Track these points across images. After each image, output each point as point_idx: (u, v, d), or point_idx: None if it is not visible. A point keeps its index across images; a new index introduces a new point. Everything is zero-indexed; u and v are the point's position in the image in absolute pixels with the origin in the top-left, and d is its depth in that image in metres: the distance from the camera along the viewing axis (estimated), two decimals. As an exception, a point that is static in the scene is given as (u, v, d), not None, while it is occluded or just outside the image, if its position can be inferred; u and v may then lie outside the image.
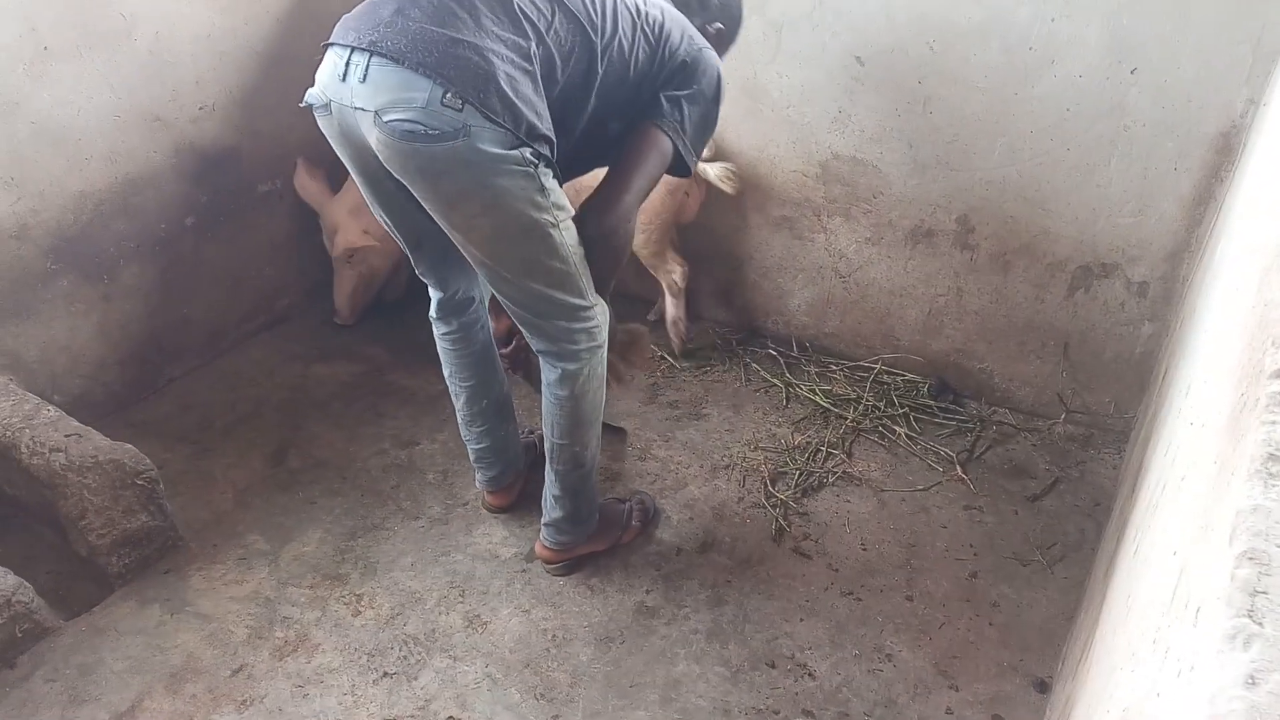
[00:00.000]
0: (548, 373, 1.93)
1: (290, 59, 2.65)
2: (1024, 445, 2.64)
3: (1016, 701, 1.92)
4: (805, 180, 2.74)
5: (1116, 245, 2.40)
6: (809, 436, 2.64)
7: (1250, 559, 0.54)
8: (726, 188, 2.67)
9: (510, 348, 2.28)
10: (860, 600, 2.14)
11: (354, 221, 2.74)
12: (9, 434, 2.04)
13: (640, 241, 2.66)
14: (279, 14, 2.61)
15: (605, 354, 1.94)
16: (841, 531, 2.33)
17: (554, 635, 2.03)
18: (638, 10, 1.77)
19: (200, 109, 2.53)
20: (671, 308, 2.89)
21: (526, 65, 1.59)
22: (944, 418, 2.72)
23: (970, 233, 2.58)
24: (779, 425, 2.69)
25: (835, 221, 2.76)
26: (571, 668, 1.96)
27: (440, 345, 2.14)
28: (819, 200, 2.75)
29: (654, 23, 1.79)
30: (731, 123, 2.71)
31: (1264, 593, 0.52)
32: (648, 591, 2.14)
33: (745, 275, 3.01)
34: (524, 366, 2.31)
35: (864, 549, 2.28)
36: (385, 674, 1.93)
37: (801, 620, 2.08)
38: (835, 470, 2.52)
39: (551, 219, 1.69)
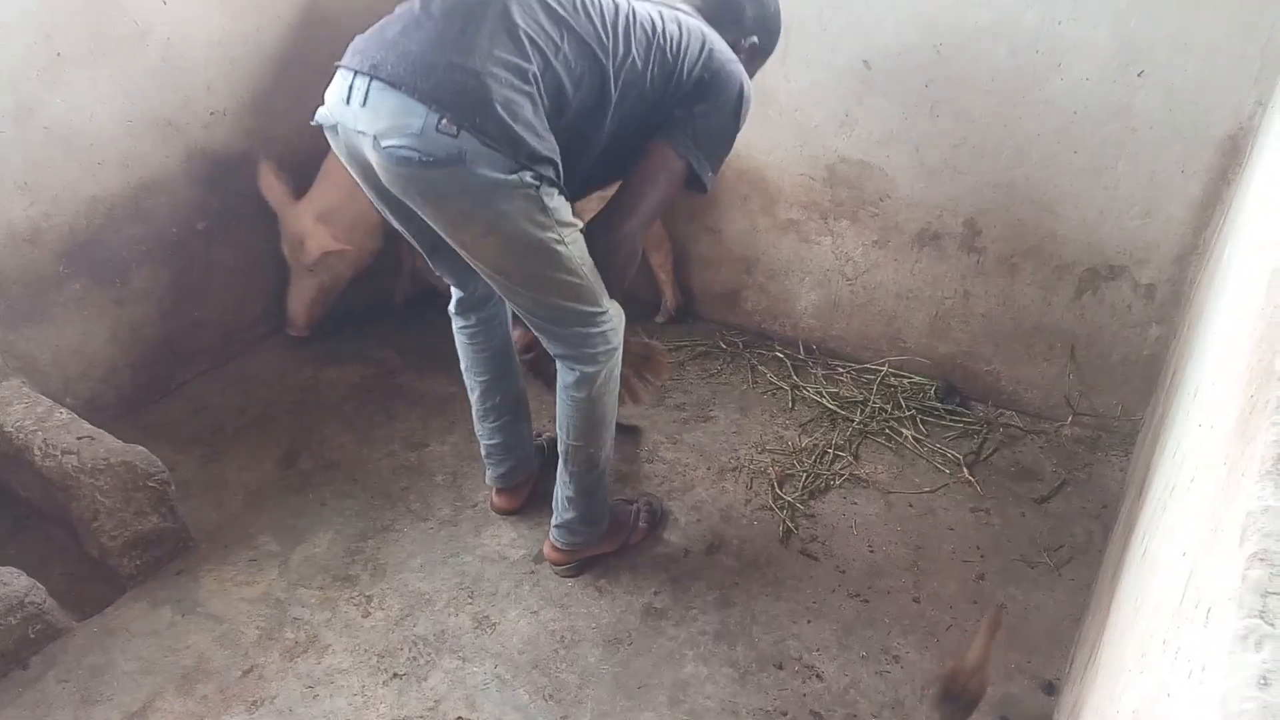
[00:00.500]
0: (564, 375, 1.94)
1: (301, 64, 2.66)
2: (1031, 447, 2.64)
3: (1024, 703, 1.92)
4: (812, 184, 2.74)
5: (1124, 248, 2.40)
6: (816, 439, 2.64)
7: (1261, 560, 0.55)
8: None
9: (531, 355, 2.28)
10: (868, 602, 2.15)
11: (323, 227, 2.64)
12: (22, 436, 2.05)
13: None
14: (290, 20, 2.63)
15: (620, 357, 1.95)
16: (849, 533, 2.34)
17: (562, 636, 2.04)
18: (653, 28, 1.74)
19: (212, 114, 2.54)
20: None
21: (526, 88, 1.58)
22: (951, 420, 2.72)
23: (977, 235, 2.58)
24: (786, 428, 2.70)
25: (842, 224, 2.77)
26: (580, 669, 1.97)
27: (458, 339, 2.16)
28: (826, 203, 2.76)
29: (670, 39, 1.75)
30: (739, 126, 2.71)
31: (1275, 593, 0.53)
32: (656, 593, 2.15)
33: (752, 278, 3.02)
34: (545, 375, 2.30)
35: (871, 551, 2.29)
36: (395, 675, 1.94)
37: (809, 622, 2.09)
38: (842, 472, 2.53)
39: (556, 236, 1.69)
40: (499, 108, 1.54)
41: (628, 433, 2.63)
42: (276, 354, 2.92)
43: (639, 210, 1.82)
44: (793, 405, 2.78)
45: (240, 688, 1.91)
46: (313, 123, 1.72)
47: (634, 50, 1.70)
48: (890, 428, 2.68)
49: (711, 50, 1.81)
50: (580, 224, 1.77)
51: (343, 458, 2.53)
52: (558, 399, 1.98)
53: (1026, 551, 2.29)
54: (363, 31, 1.68)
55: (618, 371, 1.96)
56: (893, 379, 2.85)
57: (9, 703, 1.85)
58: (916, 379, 2.84)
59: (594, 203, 1.95)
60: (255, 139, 2.59)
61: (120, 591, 2.11)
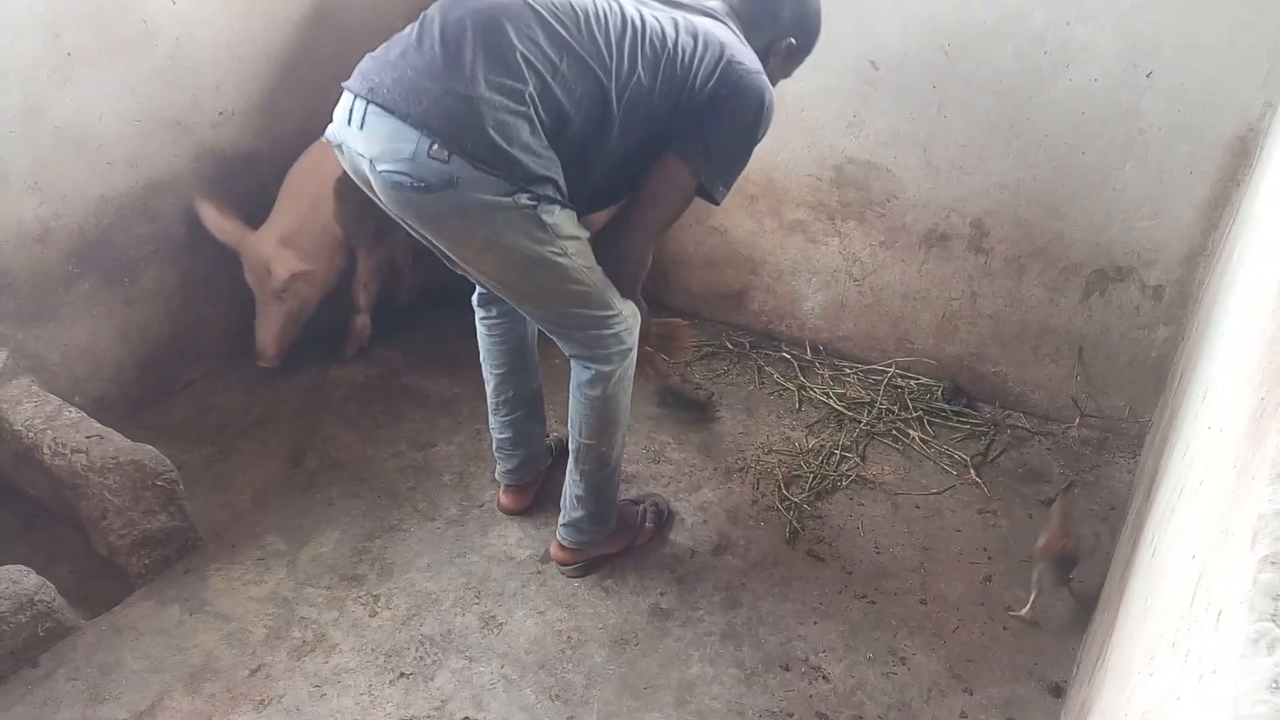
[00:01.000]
0: (578, 374, 1.94)
1: (309, 64, 2.66)
2: (1038, 449, 2.64)
3: (1031, 705, 1.92)
4: (819, 184, 2.74)
5: (1132, 249, 2.40)
6: (823, 440, 2.64)
7: (1273, 563, 0.54)
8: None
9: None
10: (874, 603, 2.14)
11: (288, 250, 2.53)
12: (31, 435, 2.06)
13: None
14: (298, 20, 2.63)
15: (635, 355, 1.96)
16: (855, 535, 2.33)
17: (569, 637, 2.04)
18: (662, 42, 1.71)
19: (220, 114, 2.55)
20: None
21: (521, 109, 1.58)
22: (958, 421, 2.72)
23: (984, 236, 2.58)
24: (793, 428, 2.69)
25: (849, 225, 2.77)
26: (586, 669, 1.97)
27: (479, 330, 2.18)
28: (833, 204, 2.76)
29: (683, 51, 1.72)
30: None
31: (1286, 596, 0.53)
32: (662, 594, 2.15)
33: (760, 279, 3.02)
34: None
35: (878, 552, 2.29)
36: (402, 674, 1.94)
37: (815, 623, 2.09)
38: (849, 473, 2.52)
39: (558, 250, 1.69)
40: (492, 131, 1.55)
41: (700, 409, 2.67)
42: (283, 354, 2.93)
43: (644, 224, 1.84)
44: (799, 406, 2.78)
45: (248, 686, 1.91)
46: (322, 139, 1.75)
47: (639, 68, 1.68)
48: (897, 429, 2.68)
49: (730, 61, 1.75)
50: (585, 235, 1.77)
51: (349, 457, 2.54)
52: (571, 398, 1.99)
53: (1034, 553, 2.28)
54: (370, 36, 1.70)
55: (632, 371, 1.97)
56: (900, 380, 2.85)
57: (18, 700, 1.86)
58: (923, 380, 2.84)
59: (605, 215, 1.96)
60: (263, 139, 2.59)
61: (129, 590, 2.11)
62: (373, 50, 1.70)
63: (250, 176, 2.63)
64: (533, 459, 2.31)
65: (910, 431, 2.66)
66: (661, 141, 1.77)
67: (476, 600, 2.12)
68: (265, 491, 2.41)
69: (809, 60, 2.52)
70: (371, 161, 1.60)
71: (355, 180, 1.77)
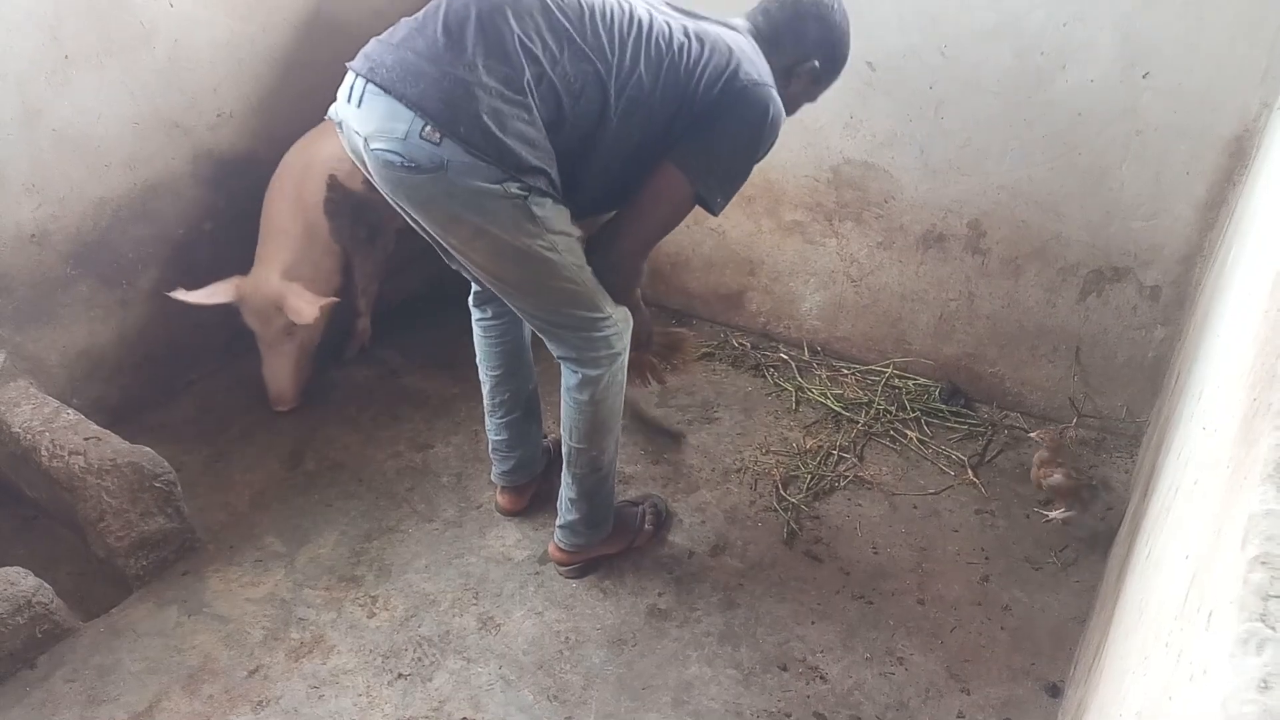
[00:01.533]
0: (567, 377, 1.94)
1: (308, 65, 2.66)
2: (1036, 449, 2.64)
3: (1028, 705, 1.92)
4: (817, 185, 2.74)
5: (1129, 249, 2.40)
6: (820, 440, 2.64)
7: (1263, 563, 0.55)
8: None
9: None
10: (872, 603, 2.15)
11: (297, 285, 2.44)
12: (30, 437, 2.06)
13: None
14: (296, 21, 2.63)
15: (625, 361, 1.95)
16: (853, 535, 2.34)
17: (567, 637, 2.04)
18: (668, 43, 1.69)
19: (218, 115, 2.55)
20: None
21: (519, 97, 1.57)
22: (955, 422, 2.72)
23: (982, 237, 2.58)
24: (790, 429, 2.70)
25: (847, 226, 2.77)
26: (584, 670, 1.97)
27: (475, 331, 2.18)
28: (831, 205, 2.76)
29: (688, 55, 1.70)
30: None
31: (1276, 597, 0.53)
32: (660, 594, 2.15)
33: (757, 279, 3.02)
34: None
35: (875, 552, 2.29)
36: (400, 675, 1.95)
37: (813, 623, 2.09)
38: (846, 474, 2.53)
39: (547, 244, 1.68)
40: (486, 118, 1.55)
41: (668, 438, 2.64)
42: (282, 355, 2.93)
43: (637, 231, 1.82)
44: (797, 406, 2.78)
45: (246, 688, 1.91)
46: (325, 117, 1.75)
47: (641, 66, 1.67)
48: (895, 429, 2.68)
49: (737, 70, 1.72)
50: (577, 233, 1.76)
51: (348, 458, 2.54)
52: (562, 401, 1.99)
53: (1031, 553, 2.29)
54: (370, 38, 1.70)
55: (622, 376, 1.96)
56: (897, 380, 2.85)
57: (16, 702, 1.86)
58: (921, 381, 2.84)
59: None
60: (261, 140, 2.59)
61: (127, 592, 2.11)
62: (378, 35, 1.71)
63: (248, 178, 2.63)
64: (529, 461, 2.31)
65: (908, 432, 2.67)
66: (662, 147, 1.74)
67: (474, 601, 2.12)
68: (264, 493, 2.41)
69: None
70: (366, 139, 1.61)
71: (353, 160, 1.76)
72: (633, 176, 1.78)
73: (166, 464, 2.12)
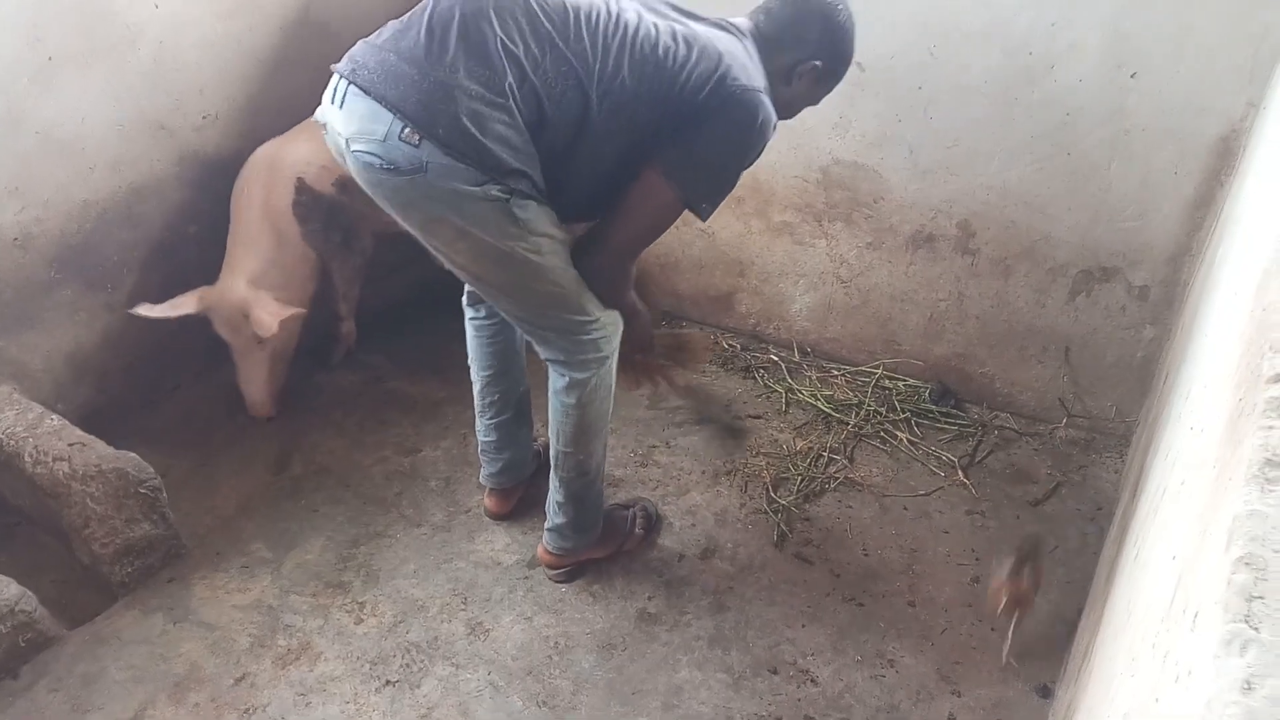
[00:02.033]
0: (554, 380, 1.93)
1: (294, 67, 2.65)
2: (1026, 450, 2.64)
3: (1019, 707, 1.91)
4: (806, 186, 2.74)
5: (1117, 249, 2.40)
6: (811, 442, 2.63)
7: (1247, 564, 0.54)
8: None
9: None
10: (862, 606, 2.14)
11: (263, 293, 2.41)
12: (13, 443, 2.04)
13: None
14: (283, 22, 2.62)
15: (614, 364, 1.94)
16: (843, 537, 2.33)
17: (556, 642, 2.03)
18: (654, 46, 1.66)
19: (204, 117, 2.53)
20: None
21: (500, 100, 1.56)
22: (945, 422, 2.72)
23: (971, 237, 2.58)
24: (781, 431, 2.69)
25: (836, 227, 2.77)
26: (574, 675, 1.96)
27: (468, 329, 2.17)
28: (820, 206, 2.75)
29: (674, 58, 1.67)
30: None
31: (1260, 598, 0.52)
32: (650, 598, 2.14)
33: (746, 281, 3.01)
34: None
35: (866, 554, 2.28)
36: (388, 682, 1.93)
37: (804, 626, 2.08)
38: (837, 476, 2.52)
39: (530, 246, 1.67)
40: (465, 120, 1.54)
41: (736, 434, 2.65)
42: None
43: (621, 235, 1.79)
44: (787, 408, 2.78)
45: (232, 696, 1.90)
46: (312, 119, 1.75)
47: (625, 68, 1.64)
48: (885, 430, 2.68)
49: (725, 75, 1.68)
50: (562, 235, 1.75)
51: (334, 463, 2.52)
52: (549, 404, 1.98)
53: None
54: (357, 39, 1.70)
55: (609, 380, 1.95)
56: (887, 381, 2.85)
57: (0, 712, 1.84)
58: (911, 381, 2.84)
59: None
60: (248, 141, 2.57)
61: (112, 599, 2.10)
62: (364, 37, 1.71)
63: (234, 180, 2.61)
64: (518, 463, 2.30)
65: (898, 433, 2.66)
66: (648, 152, 1.72)
67: (463, 606, 2.11)
68: (250, 498, 2.40)
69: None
70: (347, 141, 1.61)
71: (339, 160, 1.74)
72: (619, 181, 1.76)
73: (152, 470, 2.10)
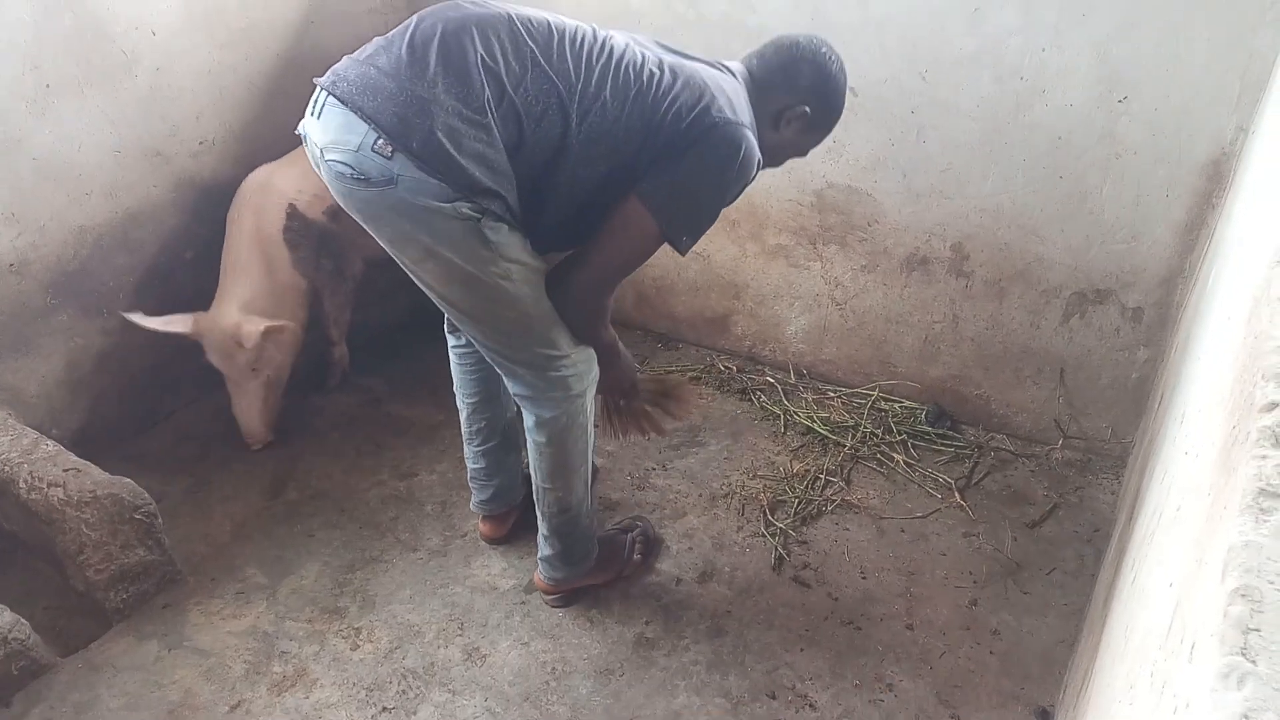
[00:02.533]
0: (525, 417, 1.92)
1: (290, 94, 2.67)
2: (1022, 471, 2.64)
3: (1019, 731, 1.91)
4: (800, 209, 2.75)
5: (1110, 271, 2.42)
6: (807, 464, 2.63)
7: (1243, 596, 0.54)
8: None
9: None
10: (860, 629, 2.13)
11: (251, 316, 2.40)
12: (7, 469, 2.04)
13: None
14: (279, 49, 2.64)
15: (588, 404, 1.91)
16: (841, 560, 2.33)
17: (553, 668, 2.02)
18: (638, 73, 1.65)
19: (200, 144, 2.55)
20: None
21: (478, 118, 1.55)
22: (942, 445, 2.72)
23: (965, 260, 2.59)
24: (777, 453, 2.69)
25: (831, 249, 2.78)
26: (571, 701, 1.95)
27: (451, 358, 2.16)
28: (814, 229, 2.77)
29: (658, 86, 1.65)
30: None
31: (1256, 630, 0.52)
32: (647, 623, 2.14)
33: (741, 303, 3.02)
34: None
35: (863, 577, 2.28)
36: (384, 709, 1.92)
37: (802, 650, 2.08)
38: (834, 498, 2.52)
39: (501, 271, 1.65)
40: (440, 135, 1.52)
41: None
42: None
43: (597, 264, 1.73)
44: (784, 430, 2.78)
45: (226, 723, 1.88)
46: (295, 131, 1.74)
47: (607, 91, 1.62)
48: (881, 452, 2.68)
49: (709, 106, 1.65)
50: (535, 263, 1.71)
51: (330, 487, 2.52)
52: (526, 440, 1.96)
53: (1019, 576, 2.28)
54: None
55: (583, 419, 1.91)
56: (883, 403, 2.85)
57: (-9, 741, 1.83)
58: (907, 403, 2.84)
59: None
60: (244, 167, 2.58)
61: (106, 626, 2.09)
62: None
63: (230, 205, 2.62)
64: (508, 489, 2.29)
65: (894, 455, 2.66)
66: (628, 181, 1.68)
67: (460, 632, 2.10)
68: (245, 523, 2.39)
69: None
70: (322, 150, 1.60)
71: (315, 170, 1.72)
72: (597, 210, 1.72)
73: (147, 495, 2.10)
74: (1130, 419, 2.56)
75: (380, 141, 1.53)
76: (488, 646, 2.07)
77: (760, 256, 2.90)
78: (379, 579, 2.23)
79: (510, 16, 1.62)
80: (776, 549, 2.33)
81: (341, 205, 1.67)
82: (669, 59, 1.71)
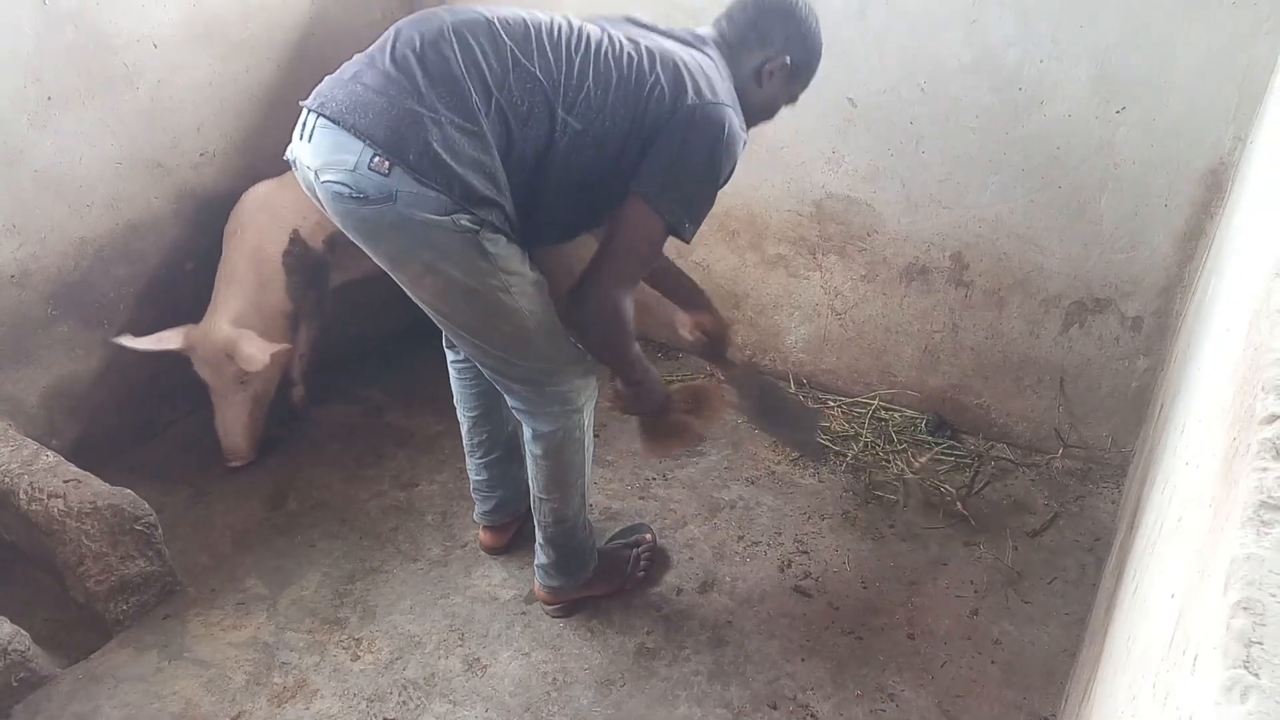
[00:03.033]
0: (524, 430, 1.92)
1: (290, 105, 2.63)
2: (1023, 480, 2.64)
3: (1021, 741, 1.90)
4: (800, 219, 2.76)
5: (1110, 280, 2.42)
6: (808, 474, 2.63)
7: (1245, 609, 0.54)
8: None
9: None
10: (861, 639, 2.13)
11: (244, 331, 2.38)
12: (7, 480, 2.04)
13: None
14: (280, 61, 2.65)
15: (586, 419, 1.90)
16: (842, 570, 2.32)
17: (554, 678, 2.02)
18: (616, 60, 1.65)
19: (201, 155, 2.55)
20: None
21: (471, 127, 1.55)
22: (942, 454, 2.72)
23: (965, 269, 2.60)
24: (778, 463, 2.69)
25: (830, 259, 2.78)
26: (572, 711, 1.94)
27: (451, 372, 2.16)
28: (814, 239, 2.77)
29: (638, 72, 1.66)
30: (726, 163, 2.73)
31: (1259, 643, 0.52)
32: (648, 633, 2.13)
33: (742, 313, 3.03)
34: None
35: (864, 587, 2.28)
36: (385, 720, 1.92)
37: (803, 660, 2.07)
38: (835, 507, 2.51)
39: (499, 284, 1.64)
40: (436, 146, 1.52)
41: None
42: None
43: (612, 271, 1.70)
44: (784, 440, 2.78)
45: (227, 735, 1.88)
46: (284, 158, 1.73)
47: (589, 81, 1.62)
48: (882, 462, 2.68)
49: (687, 89, 1.66)
50: (533, 275, 1.71)
51: (331, 498, 2.51)
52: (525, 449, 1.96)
53: (1020, 585, 2.28)
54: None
55: (579, 433, 1.90)
56: (883, 413, 2.85)
57: (-10, 753, 1.82)
58: (907, 412, 2.84)
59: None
60: (244, 179, 2.59)
61: (106, 637, 2.08)
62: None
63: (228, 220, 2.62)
64: (511, 499, 2.29)
65: (895, 464, 2.66)
66: (618, 169, 1.68)
67: (460, 642, 2.10)
68: (245, 534, 2.39)
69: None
70: (317, 173, 1.59)
71: (307, 195, 1.72)
72: (592, 201, 1.73)
73: (147, 506, 2.09)
74: (1130, 428, 2.56)
75: (376, 159, 1.52)
76: (488, 657, 2.06)
77: (760, 266, 2.91)
78: (379, 589, 2.23)
79: (487, 19, 1.62)
80: (777, 559, 2.32)
81: (339, 225, 1.65)
82: (645, 41, 1.71)
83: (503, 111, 1.58)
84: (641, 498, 2.54)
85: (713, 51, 1.80)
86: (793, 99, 1.95)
